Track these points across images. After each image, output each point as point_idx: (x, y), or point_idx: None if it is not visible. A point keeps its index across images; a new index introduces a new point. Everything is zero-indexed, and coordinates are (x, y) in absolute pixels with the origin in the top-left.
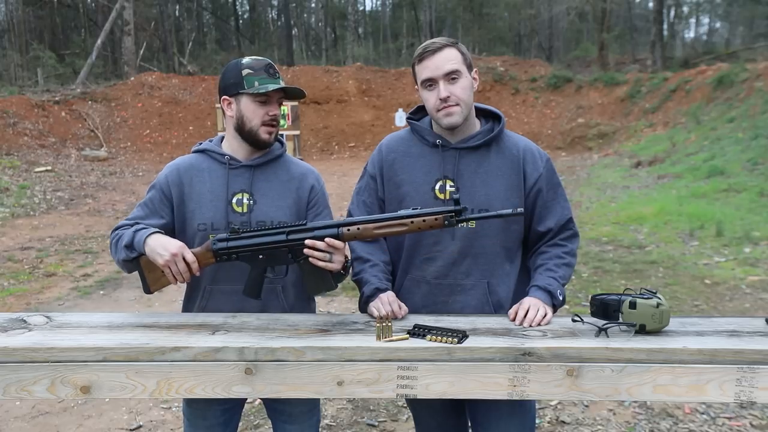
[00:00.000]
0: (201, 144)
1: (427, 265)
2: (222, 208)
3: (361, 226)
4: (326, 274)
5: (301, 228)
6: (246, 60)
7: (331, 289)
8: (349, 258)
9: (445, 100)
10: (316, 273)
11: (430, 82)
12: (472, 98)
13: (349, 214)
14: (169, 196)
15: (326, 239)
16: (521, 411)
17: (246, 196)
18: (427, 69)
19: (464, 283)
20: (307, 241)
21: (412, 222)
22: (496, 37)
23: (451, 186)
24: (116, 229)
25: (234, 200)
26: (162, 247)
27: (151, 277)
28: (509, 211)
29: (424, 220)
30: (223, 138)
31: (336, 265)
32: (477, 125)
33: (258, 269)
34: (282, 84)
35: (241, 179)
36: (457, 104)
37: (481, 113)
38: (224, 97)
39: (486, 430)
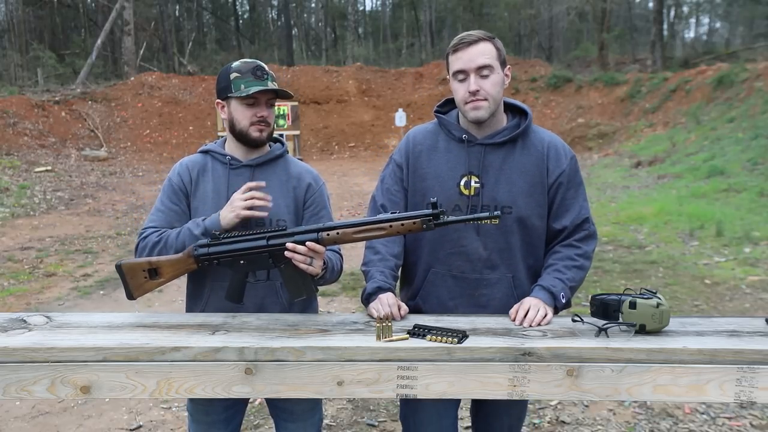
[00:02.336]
0: (206, 145)
1: (452, 260)
2: (223, 207)
3: (340, 231)
4: (307, 278)
5: (281, 233)
6: (236, 64)
7: (311, 293)
8: (329, 261)
9: (474, 93)
10: (296, 278)
11: (462, 74)
12: (502, 94)
13: (372, 199)
14: (185, 190)
15: (307, 243)
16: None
17: None
18: (460, 60)
19: (490, 278)
20: (288, 244)
21: (390, 226)
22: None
23: (476, 182)
24: (144, 237)
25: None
26: (227, 208)
27: (133, 283)
28: (486, 214)
29: (402, 224)
30: (225, 140)
31: (316, 269)
32: (504, 120)
33: (239, 274)
34: (268, 86)
35: (242, 178)
36: (486, 99)
37: (508, 108)
38: (218, 100)
39: (487, 417)
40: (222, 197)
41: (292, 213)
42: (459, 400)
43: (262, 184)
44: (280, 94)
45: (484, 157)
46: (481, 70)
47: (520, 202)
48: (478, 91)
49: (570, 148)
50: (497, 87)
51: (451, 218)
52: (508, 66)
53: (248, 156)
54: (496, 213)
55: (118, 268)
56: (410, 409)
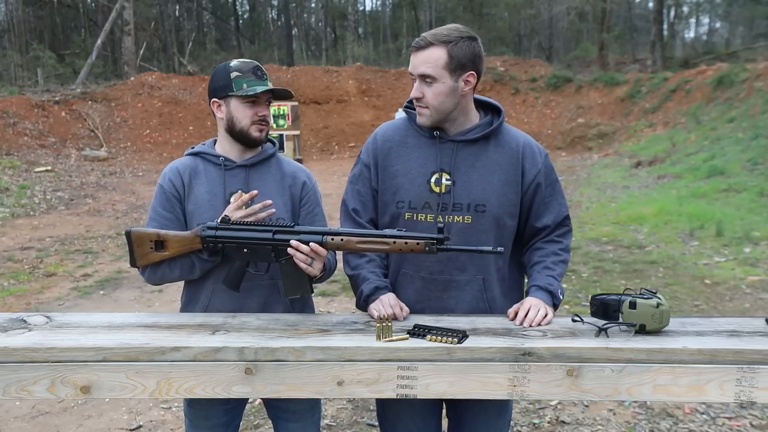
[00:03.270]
0: (194, 147)
1: (422, 260)
2: (220, 209)
3: (344, 238)
4: (304, 278)
5: (288, 229)
6: (234, 63)
7: (306, 293)
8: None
9: (417, 99)
10: (294, 276)
11: (412, 77)
12: (451, 103)
13: (344, 203)
14: (177, 195)
15: (311, 244)
16: (505, 410)
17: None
18: (411, 63)
19: (459, 279)
20: (292, 242)
21: (394, 242)
22: (496, 37)
23: (447, 179)
24: None
25: (231, 200)
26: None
27: (139, 251)
28: (489, 248)
29: (406, 243)
30: (215, 141)
31: (315, 270)
32: (476, 118)
33: (240, 262)
34: (269, 86)
35: (237, 179)
36: (426, 107)
37: (481, 105)
38: (214, 99)
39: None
40: (218, 199)
41: (289, 211)
42: (439, 412)
43: (255, 192)
44: (279, 94)
45: (456, 154)
46: (424, 78)
47: (493, 200)
48: (419, 98)
49: (543, 148)
50: (439, 97)
51: (455, 246)
52: (470, 72)
53: (242, 156)
54: (499, 249)
55: (128, 234)
56: (389, 425)
